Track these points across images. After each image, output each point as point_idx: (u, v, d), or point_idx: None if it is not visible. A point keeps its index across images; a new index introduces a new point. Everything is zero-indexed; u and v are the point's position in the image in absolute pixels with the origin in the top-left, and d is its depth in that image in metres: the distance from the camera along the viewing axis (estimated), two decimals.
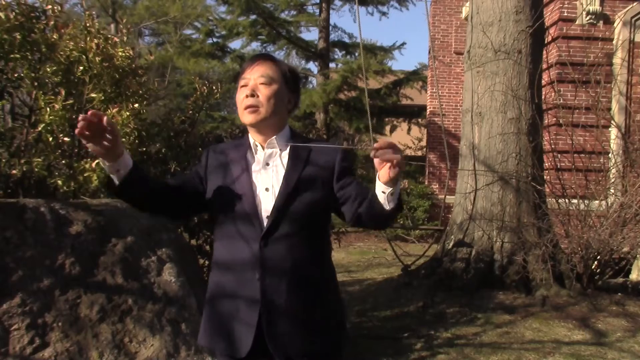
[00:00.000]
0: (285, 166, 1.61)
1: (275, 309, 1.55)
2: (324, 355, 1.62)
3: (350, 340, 1.74)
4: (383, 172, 1.40)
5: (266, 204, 1.57)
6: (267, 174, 1.61)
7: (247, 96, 1.61)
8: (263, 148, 1.64)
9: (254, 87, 1.61)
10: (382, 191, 1.45)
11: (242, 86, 1.63)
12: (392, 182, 1.41)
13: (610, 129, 6.75)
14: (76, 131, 1.37)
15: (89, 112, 1.38)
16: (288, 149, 1.63)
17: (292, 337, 1.56)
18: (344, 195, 1.60)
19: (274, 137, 1.63)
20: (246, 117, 1.62)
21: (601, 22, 7.93)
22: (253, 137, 1.66)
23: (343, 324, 1.70)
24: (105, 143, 1.41)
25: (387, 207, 1.46)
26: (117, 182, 1.48)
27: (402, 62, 70.51)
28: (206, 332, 1.65)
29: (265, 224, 1.55)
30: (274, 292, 1.54)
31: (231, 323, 1.57)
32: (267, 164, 1.62)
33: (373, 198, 1.49)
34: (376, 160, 1.39)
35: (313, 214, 1.60)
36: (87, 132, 1.38)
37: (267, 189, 1.58)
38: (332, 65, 14.26)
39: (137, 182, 1.52)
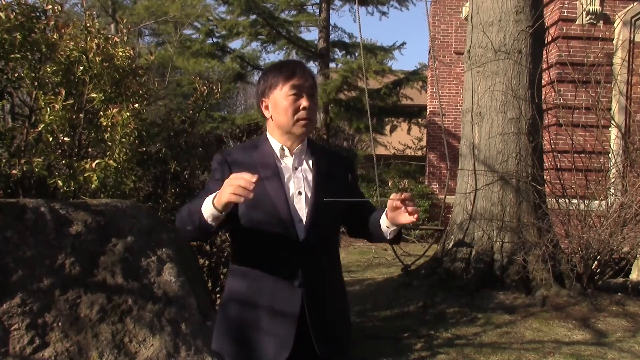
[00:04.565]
0: (312, 172, 1.63)
1: (318, 312, 1.59)
2: (346, 351, 1.72)
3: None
4: (403, 217, 1.51)
5: (300, 208, 1.58)
6: (298, 179, 1.61)
7: (304, 108, 1.59)
8: (291, 153, 1.64)
9: (309, 100, 1.60)
10: (387, 226, 1.59)
11: (295, 94, 1.59)
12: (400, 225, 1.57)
13: (610, 129, 6.75)
14: (235, 199, 1.32)
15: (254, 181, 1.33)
16: (311, 155, 1.67)
17: (334, 338, 1.64)
18: (354, 209, 1.69)
19: (301, 144, 1.65)
20: (299, 129, 1.60)
21: (601, 22, 7.93)
22: (281, 142, 1.63)
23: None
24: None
25: (387, 237, 1.62)
26: (214, 225, 1.43)
27: (402, 62, 70.61)
28: (227, 339, 1.60)
29: (300, 229, 1.56)
30: (315, 298, 1.58)
31: (263, 331, 1.55)
32: (296, 168, 1.63)
33: (376, 223, 1.62)
34: (391, 204, 1.52)
35: (337, 218, 1.68)
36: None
37: (300, 193, 1.59)
38: (332, 65, 14.26)
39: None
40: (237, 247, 1.67)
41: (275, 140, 1.64)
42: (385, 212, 1.57)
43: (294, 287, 1.55)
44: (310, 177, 1.62)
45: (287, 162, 1.63)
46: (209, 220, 1.42)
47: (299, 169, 1.63)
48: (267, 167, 1.60)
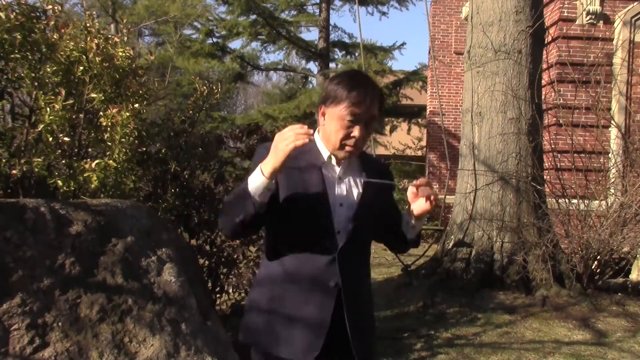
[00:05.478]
0: (356, 184, 1.65)
1: (354, 313, 1.62)
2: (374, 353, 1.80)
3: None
4: (418, 205, 1.62)
5: (339, 218, 1.60)
6: (341, 190, 1.62)
7: (354, 137, 1.57)
8: (338, 163, 1.64)
9: (362, 130, 1.58)
10: (407, 221, 1.67)
11: (351, 120, 1.56)
12: (420, 218, 1.66)
13: (610, 129, 6.75)
14: (300, 142, 1.39)
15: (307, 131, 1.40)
16: (356, 167, 1.68)
17: (366, 340, 1.68)
18: (393, 223, 1.75)
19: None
20: (342, 154, 1.61)
21: (601, 22, 7.93)
22: (328, 150, 1.64)
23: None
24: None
25: (407, 235, 1.70)
26: (263, 198, 1.47)
27: (402, 62, 70.71)
28: (260, 333, 1.63)
29: (337, 238, 1.59)
30: (350, 300, 1.61)
31: (299, 328, 1.58)
32: (340, 178, 1.63)
33: (402, 226, 1.70)
34: (411, 194, 1.61)
35: (373, 229, 1.72)
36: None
37: (341, 204, 1.61)
38: (332, 65, 14.27)
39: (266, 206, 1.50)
40: (274, 245, 1.67)
41: (324, 148, 1.64)
42: (408, 209, 1.62)
43: (329, 288, 1.59)
44: (354, 189, 1.63)
45: (333, 170, 1.63)
46: (257, 196, 1.45)
47: (344, 179, 1.64)
48: (315, 175, 1.61)
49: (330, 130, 1.60)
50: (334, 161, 1.64)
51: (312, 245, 1.59)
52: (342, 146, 1.59)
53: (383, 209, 1.71)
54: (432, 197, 1.56)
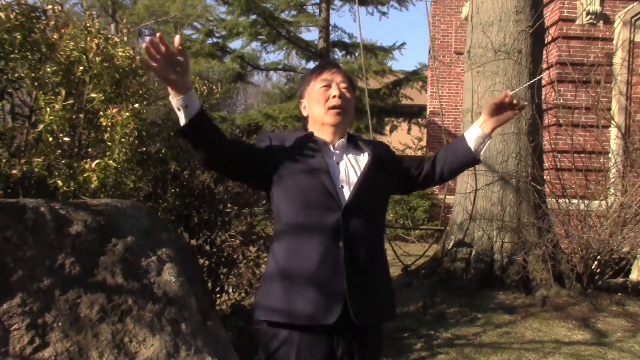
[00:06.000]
0: (355, 164, 1.69)
1: (358, 277, 1.60)
2: (387, 319, 1.79)
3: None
4: (500, 117, 1.69)
5: (343, 200, 1.63)
6: (340, 172, 1.67)
7: (335, 96, 1.67)
8: (333, 147, 1.70)
9: (339, 89, 1.69)
10: (484, 139, 1.71)
11: (325, 86, 1.69)
12: (494, 130, 1.72)
13: (610, 129, 6.75)
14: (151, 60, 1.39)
15: (157, 36, 1.39)
16: (353, 148, 1.74)
17: (373, 307, 1.64)
18: (410, 168, 1.80)
19: (342, 139, 1.72)
20: (332, 118, 1.68)
21: (601, 22, 7.93)
22: (323, 137, 1.70)
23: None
24: (177, 69, 1.43)
25: (479, 154, 1.73)
26: (184, 119, 1.48)
27: (402, 62, 70.77)
28: (280, 301, 1.61)
29: (341, 220, 1.60)
30: (356, 263, 1.60)
31: (315, 292, 1.57)
32: (338, 163, 1.68)
33: (456, 150, 1.76)
34: (493, 106, 1.67)
35: (381, 203, 1.75)
36: (158, 57, 1.39)
37: (342, 187, 1.65)
38: None
39: (204, 124, 1.51)
40: (281, 217, 1.68)
41: (319, 136, 1.71)
42: (481, 125, 1.71)
43: (338, 249, 1.58)
44: (352, 171, 1.67)
45: (332, 156, 1.69)
46: (181, 120, 1.49)
47: (341, 163, 1.68)
48: (317, 160, 1.65)
49: (314, 108, 1.71)
50: (330, 147, 1.70)
51: (316, 207, 1.60)
52: (327, 110, 1.68)
53: (389, 173, 1.74)
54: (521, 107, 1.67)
